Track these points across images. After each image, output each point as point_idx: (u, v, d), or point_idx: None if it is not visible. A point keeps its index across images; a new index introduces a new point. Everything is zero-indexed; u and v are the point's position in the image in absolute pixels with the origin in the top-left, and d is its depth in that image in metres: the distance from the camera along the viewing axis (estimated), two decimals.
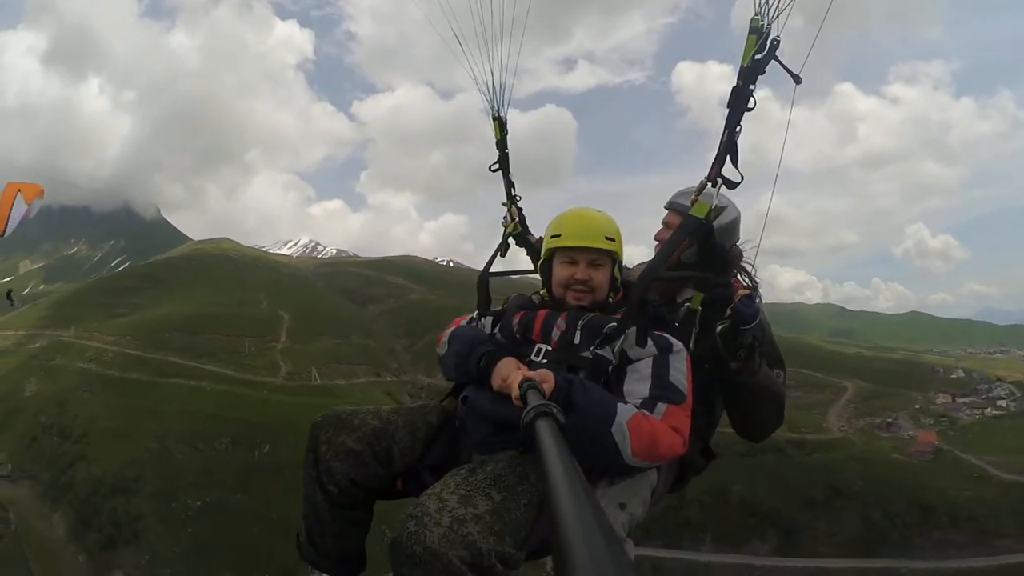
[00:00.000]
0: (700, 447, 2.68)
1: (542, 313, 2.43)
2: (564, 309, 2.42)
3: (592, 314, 2.38)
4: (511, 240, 3.18)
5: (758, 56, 2.28)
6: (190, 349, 69.82)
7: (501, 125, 3.32)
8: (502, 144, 3.33)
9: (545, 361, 2.26)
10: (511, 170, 3.32)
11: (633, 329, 2.24)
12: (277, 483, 45.80)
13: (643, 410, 2.04)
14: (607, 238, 2.45)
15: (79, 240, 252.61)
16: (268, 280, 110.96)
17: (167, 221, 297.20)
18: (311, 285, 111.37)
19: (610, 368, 2.22)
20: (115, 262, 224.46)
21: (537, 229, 3.11)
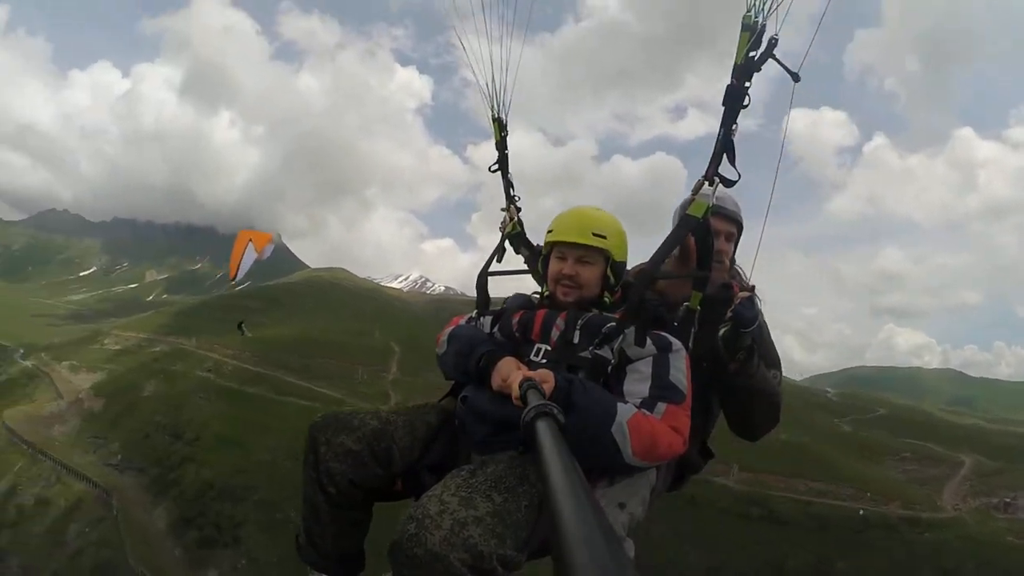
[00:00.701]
0: (699, 446, 2.72)
1: (541, 312, 2.44)
2: (561, 307, 2.43)
3: (591, 314, 2.38)
4: (508, 243, 3.17)
5: (753, 54, 2.25)
6: (305, 371, 70.94)
7: (501, 126, 3.36)
8: (502, 145, 3.37)
9: (545, 361, 2.27)
10: (509, 171, 3.35)
11: (632, 328, 2.24)
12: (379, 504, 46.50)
13: (643, 410, 2.05)
14: (596, 235, 2.43)
15: (203, 257, 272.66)
16: (381, 311, 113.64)
17: (287, 247, 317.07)
18: (421, 319, 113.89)
19: (609, 368, 2.23)
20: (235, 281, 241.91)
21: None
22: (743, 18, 2.25)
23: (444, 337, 2.57)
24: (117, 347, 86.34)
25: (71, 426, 62.58)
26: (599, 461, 1.98)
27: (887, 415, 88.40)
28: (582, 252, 2.45)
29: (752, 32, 2.24)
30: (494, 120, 3.36)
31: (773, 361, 2.79)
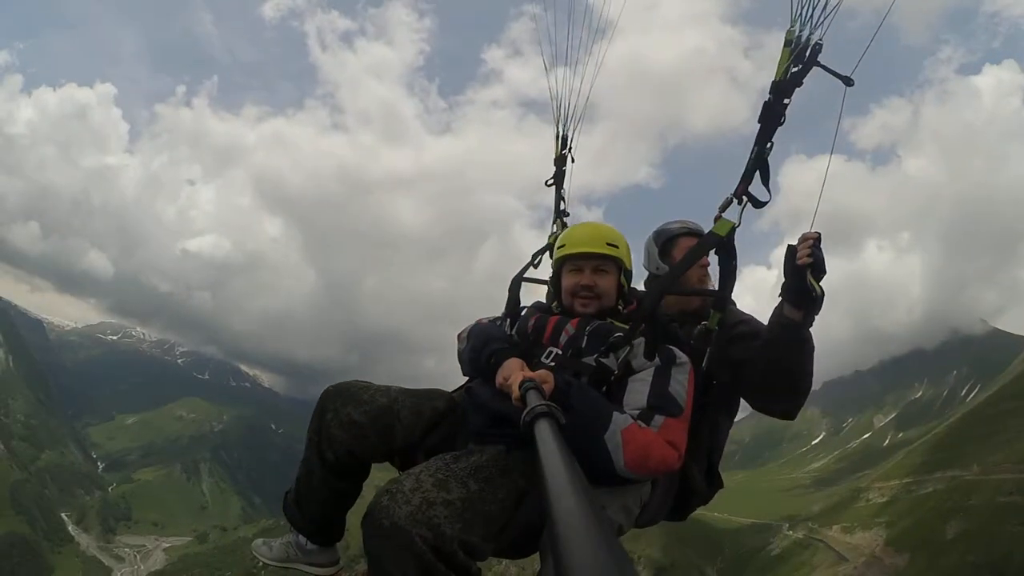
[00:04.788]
0: (704, 469, 2.62)
1: (554, 318, 2.51)
2: (575, 316, 2.48)
3: (601, 322, 2.42)
4: (548, 254, 3.19)
5: (795, 69, 2.20)
6: None
7: (564, 143, 3.55)
8: (560, 161, 3.56)
9: (553, 364, 2.32)
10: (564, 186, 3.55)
11: (641, 341, 2.25)
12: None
13: (639, 421, 2.04)
14: (609, 244, 2.52)
15: (920, 382, 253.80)
16: None
17: (998, 330, 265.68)
18: None
19: (612, 377, 2.23)
20: (964, 391, 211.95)
21: None
22: (787, 33, 2.19)
23: (464, 333, 2.66)
24: (884, 499, 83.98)
25: None
26: (590, 469, 1.78)
27: None
28: (598, 262, 2.51)
29: (795, 47, 2.17)
30: (557, 137, 3.55)
31: None
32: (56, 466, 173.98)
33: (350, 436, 2.26)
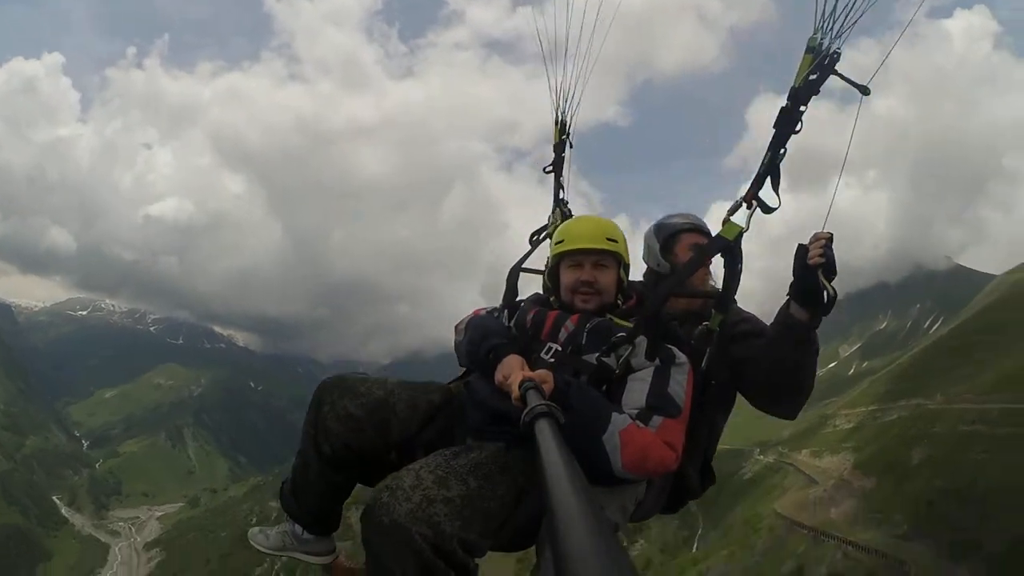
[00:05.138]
0: (699, 466, 2.61)
1: (553, 313, 2.46)
2: (575, 312, 2.43)
3: (601, 319, 2.38)
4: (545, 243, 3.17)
5: (813, 76, 2.19)
6: None
7: (563, 129, 3.40)
8: (560, 147, 3.42)
9: (553, 360, 2.29)
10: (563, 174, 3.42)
11: (643, 341, 2.22)
12: None
13: (638, 421, 2.04)
14: (609, 239, 2.47)
15: (885, 314, 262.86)
16: None
17: (962, 266, 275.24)
18: None
19: (613, 377, 2.21)
20: (927, 323, 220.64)
21: None
22: (809, 41, 2.18)
23: (462, 325, 2.63)
24: (850, 425, 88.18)
25: (847, 506, 65.81)
26: (588, 469, 1.74)
27: None
28: (598, 257, 2.46)
29: (816, 55, 2.16)
30: (556, 122, 3.41)
31: None
32: (41, 451, 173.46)
33: (346, 429, 2.27)
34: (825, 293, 2.25)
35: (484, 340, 2.33)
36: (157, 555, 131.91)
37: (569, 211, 3.37)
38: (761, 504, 76.86)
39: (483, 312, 2.75)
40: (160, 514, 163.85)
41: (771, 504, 72.83)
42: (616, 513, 2.21)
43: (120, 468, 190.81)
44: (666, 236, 3.00)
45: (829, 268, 2.23)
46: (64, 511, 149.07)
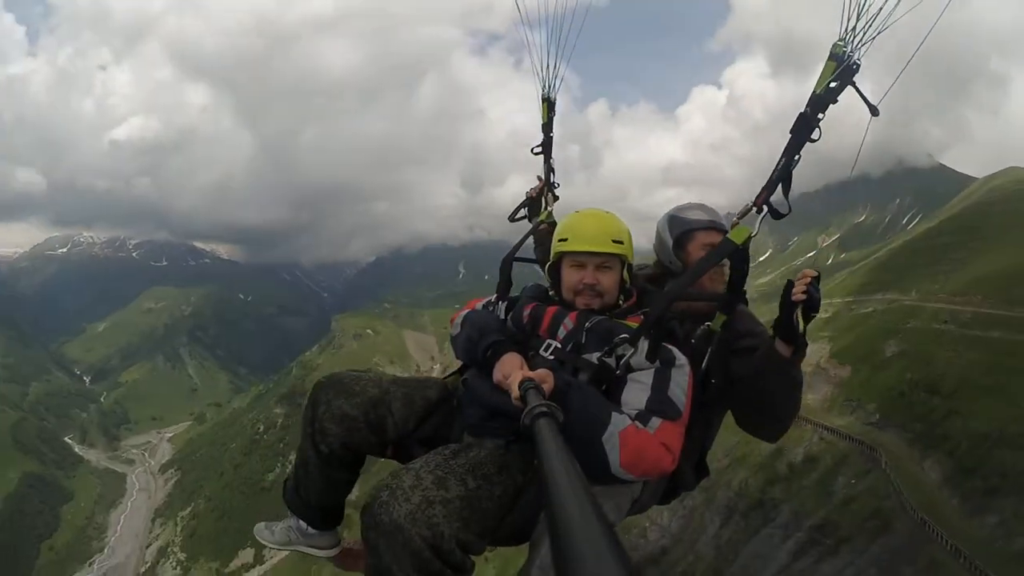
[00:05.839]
0: (695, 462, 2.59)
1: (552, 309, 2.42)
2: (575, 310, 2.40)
3: (600, 317, 2.34)
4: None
5: (833, 84, 2.13)
6: None
7: (550, 107, 3.32)
8: (548, 127, 3.34)
9: (552, 358, 2.25)
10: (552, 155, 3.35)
11: (644, 342, 2.18)
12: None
13: (637, 422, 2.01)
14: (615, 241, 2.41)
15: (864, 207, 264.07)
16: None
17: (943, 165, 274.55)
18: None
19: (612, 377, 2.19)
20: (906, 219, 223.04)
21: None
22: (832, 47, 2.14)
23: (458, 319, 2.61)
24: (827, 315, 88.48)
25: (823, 392, 69.66)
26: (587, 468, 1.82)
27: None
28: (602, 259, 2.42)
29: (839, 63, 2.13)
30: (544, 100, 3.36)
31: None
32: (46, 395, 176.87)
33: (343, 429, 2.28)
34: (798, 328, 2.27)
35: (482, 337, 2.30)
36: (173, 475, 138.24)
37: (556, 196, 3.43)
38: None
39: (479, 305, 2.73)
40: (170, 435, 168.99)
41: None
42: (612, 512, 2.21)
43: (125, 397, 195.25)
44: (680, 233, 2.89)
45: (811, 305, 2.24)
46: (78, 449, 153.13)
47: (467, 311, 2.65)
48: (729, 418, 2.70)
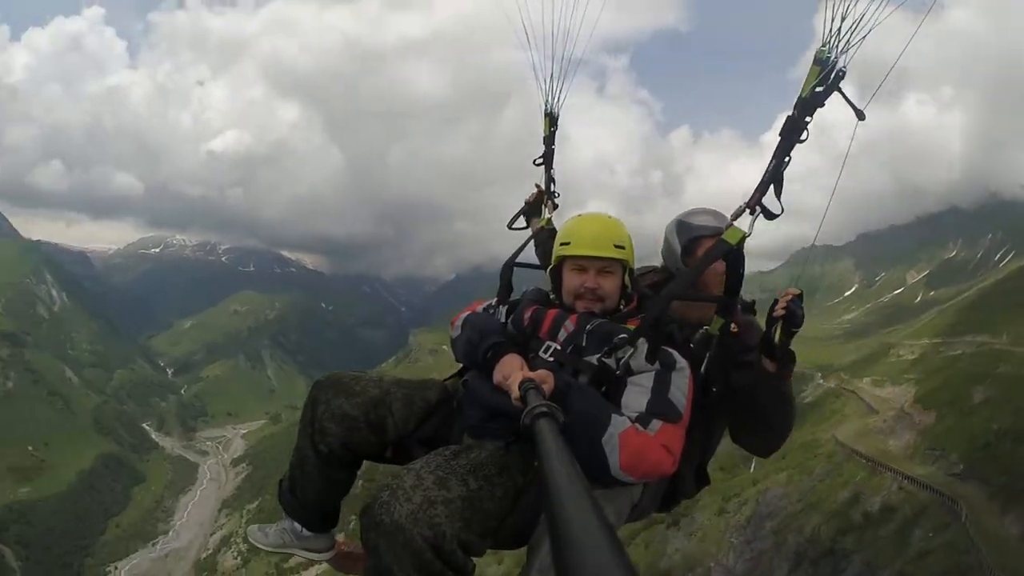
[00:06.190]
0: (695, 470, 2.59)
1: (552, 312, 2.43)
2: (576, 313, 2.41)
3: (601, 319, 2.35)
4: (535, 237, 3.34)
5: (819, 88, 2.17)
6: None
7: (552, 121, 3.45)
8: (550, 140, 3.48)
9: (552, 360, 2.26)
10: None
11: (644, 344, 2.18)
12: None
13: (637, 424, 2.00)
14: (616, 246, 2.42)
15: (955, 242, 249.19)
16: None
17: None
18: None
19: (612, 378, 2.19)
20: (998, 255, 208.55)
21: None
22: (817, 52, 2.18)
23: (459, 321, 2.62)
24: (913, 356, 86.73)
25: (905, 439, 66.41)
26: (586, 469, 1.79)
27: None
28: (604, 264, 2.42)
29: (823, 67, 2.16)
30: (546, 115, 3.48)
31: None
32: (129, 382, 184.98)
33: (342, 429, 2.26)
34: (773, 342, 2.31)
35: (482, 339, 2.30)
36: (244, 469, 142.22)
37: (556, 205, 3.54)
38: (820, 430, 77.38)
39: (480, 308, 2.73)
40: (244, 432, 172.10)
41: (831, 430, 72.93)
42: (611, 516, 2.19)
43: (204, 392, 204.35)
44: (688, 240, 2.84)
45: (793, 322, 2.27)
46: (154, 436, 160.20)
47: (467, 313, 2.68)
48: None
